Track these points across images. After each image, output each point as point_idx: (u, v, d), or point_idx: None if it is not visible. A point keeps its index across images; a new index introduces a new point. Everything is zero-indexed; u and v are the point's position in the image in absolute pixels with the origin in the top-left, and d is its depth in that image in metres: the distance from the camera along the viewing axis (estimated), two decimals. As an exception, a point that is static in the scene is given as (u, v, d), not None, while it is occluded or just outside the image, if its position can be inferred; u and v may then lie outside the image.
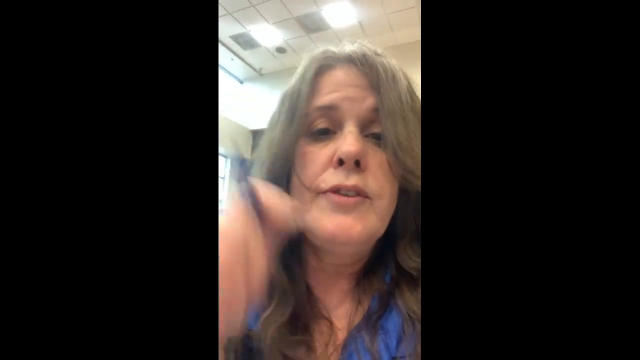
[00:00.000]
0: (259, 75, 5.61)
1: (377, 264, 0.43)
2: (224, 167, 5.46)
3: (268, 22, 4.34)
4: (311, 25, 4.33)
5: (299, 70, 0.44)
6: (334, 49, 0.44)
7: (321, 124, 0.41)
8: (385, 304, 0.40)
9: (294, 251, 0.43)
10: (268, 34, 4.61)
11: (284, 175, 0.42)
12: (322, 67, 0.43)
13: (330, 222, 0.37)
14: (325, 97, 0.41)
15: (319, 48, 0.46)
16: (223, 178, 5.44)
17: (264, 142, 0.45)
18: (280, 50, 4.95)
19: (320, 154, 0.40)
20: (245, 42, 4.83)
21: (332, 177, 0.38)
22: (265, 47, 4.93)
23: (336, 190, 0.38)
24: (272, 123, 0.45)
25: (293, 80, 0.45)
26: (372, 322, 0.39)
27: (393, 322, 0.38)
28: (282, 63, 5.25)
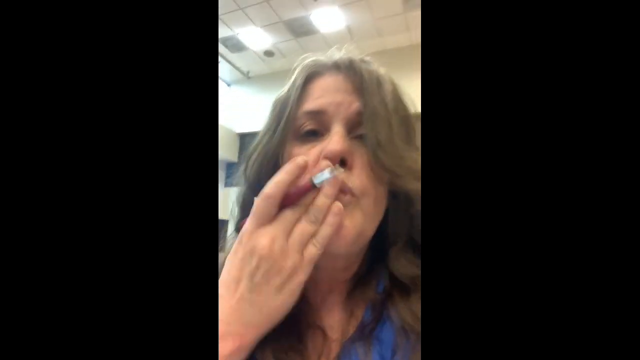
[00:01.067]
0: (246, 78, 5.60)
1: (369, 273, 0.43)
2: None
3: (256, 25, 4.34)
4: (299, 30, 4.34)
5: (291, 78, 0.46)
6: (322, 57, 0.47)
7: (309, 126, 0.42)
8: (378, 315, 0.40)
9: None
10: (256, 38, 4.60)
11: (271, 176, 0.42)
12: (312, 74, 0.45)
13: None
14: (313, 102, 0.42)
15: (307, 54, 0.48)
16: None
17: (252, 146, 0.46)
18: (269, 53, 4.96)
19: (307, 154, 0.40)
20: (233, 45, 4.82)
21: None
22: (253, 51, 4.93)
23: None
24: (263, 129, 0.47)
25: (284, 88, 0.47)
26: (366, 333, 0.39)
27: (387, 333, 0.38)
28: (270, 66, 5.25)
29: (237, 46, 4.83)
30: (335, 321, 0.42)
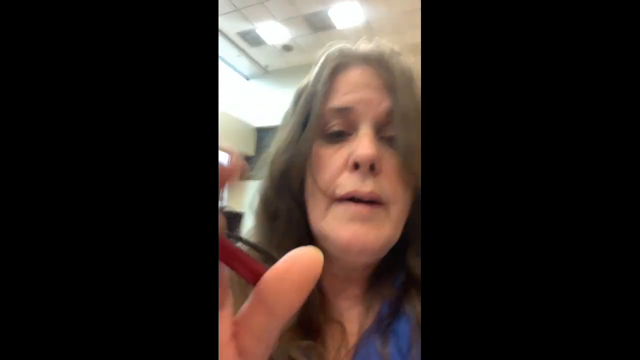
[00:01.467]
0: (265, 72, 5.61)
1: (387, 269, 0.43)
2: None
3: (275, 19, 4.34)
4: (318, 24, 4.33)
5: (315, 68, 0.43)
6: (350, 46, 0.43)
7: (336, 126, 0.40)
8: (395, 310, 0.40)
9: None
10: (275, 32, 4.61)
11: (298, 178, 0.41)
12: (338, 66, 0.42)
13: (346, 231, 0.37)
14: (340, 99, 0.40)
15: (332, 41, 0.44)
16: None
17: (276, 142, 0.44)
18: (287, 48, 4.95)
19: (335, 157, 0.39)
20: (252, 39, 4.83)
21: (348, 182, 0.38)
22: (272, 45, 4.93)
23: (352, 197, 0.37)
24: (285, 122, 0.44)
25: (308, 78, 0.44)
26: (383, 326, 0.39)
27: (404, 327, 0.38)
28: (289, 61, 5.24)
29: (256, 40, 4.84)
30: (353, 314, 0.42)
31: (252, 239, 0.45)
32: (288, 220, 0.42)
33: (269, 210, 0.44)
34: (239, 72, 5.69)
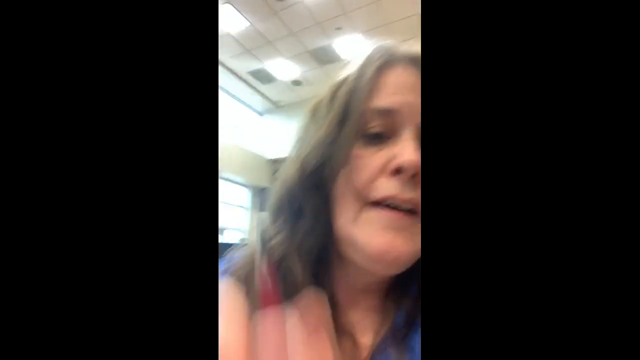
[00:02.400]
0: (276, 107, 5.79)
1: (405, 277, 0.40)
2: (247, 197, 5.56)
3: (284, 57, 4.53)
4: (324, 58, 4.49)
5: (356, 64, 0.41)
6: (398, 45, 0.41)
7: (376, 127, 0.37)
8: (411, 319, 0.38)
9: (322, 260, 0.41)
10: (284, 68, 4.79)
11: (332, 177, 0.39)
12: (385, 64, 0.39)
13: (381, 239, 0.35)
14: (385, 99, 0.37)
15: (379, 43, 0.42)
16: (246, 208, 5.53)
17: (306, 138, 0.41)
18: (296, 82, 5.12)
19: (372, 159, 0.36)
20: (263, 76, 5.01)
21: (386, 187, 0.35)
22: (282, 81, 5.12)
23: (388, 203, 0.36)
24: (319, 117, 0.41)
25: (347, 73, 0.41)
26: (399, 339, 0.37)
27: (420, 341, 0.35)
28: (299, 95, 5.40)
29: (267, 78, 5.02)
30: (366, 326, 0.40)
31: (270, 238, 0.42)
32: (314, 220, 0.40)
33: (292, 208, 0.41)
34: (253, 109, 5.85)
